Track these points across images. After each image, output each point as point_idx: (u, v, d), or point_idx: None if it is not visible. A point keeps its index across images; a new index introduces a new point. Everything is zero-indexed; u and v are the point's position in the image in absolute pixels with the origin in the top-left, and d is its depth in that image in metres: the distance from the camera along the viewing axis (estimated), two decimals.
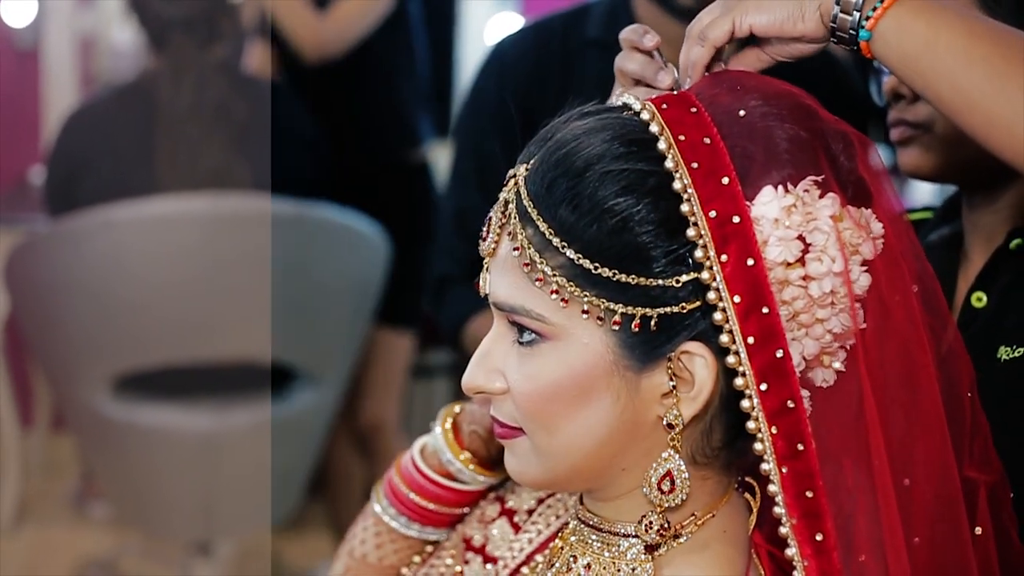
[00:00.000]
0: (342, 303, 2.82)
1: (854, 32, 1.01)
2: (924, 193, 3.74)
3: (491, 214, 1.01)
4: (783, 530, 0.97)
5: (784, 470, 0.96)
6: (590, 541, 1.03)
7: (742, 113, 0.98)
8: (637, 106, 0.99)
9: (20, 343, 3.65)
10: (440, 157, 3.51)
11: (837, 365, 0.97)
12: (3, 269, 2.79)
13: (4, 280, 2.81)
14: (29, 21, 4.20)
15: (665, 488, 0.97)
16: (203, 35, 2.74)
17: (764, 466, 0.96)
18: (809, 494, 0.96)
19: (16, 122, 4.24)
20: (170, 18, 2.72)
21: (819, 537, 0.97)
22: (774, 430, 0.95)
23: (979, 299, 1.31)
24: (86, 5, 4.26)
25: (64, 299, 2.65)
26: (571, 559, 1.04)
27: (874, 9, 1.00)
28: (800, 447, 0.95)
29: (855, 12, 1.01)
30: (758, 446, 0.96)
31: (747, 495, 1.04)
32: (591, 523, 1.03)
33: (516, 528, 1.17)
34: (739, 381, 0.95)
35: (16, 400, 3.87)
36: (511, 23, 4.07)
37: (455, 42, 4.22)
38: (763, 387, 0.94)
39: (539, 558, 1.13)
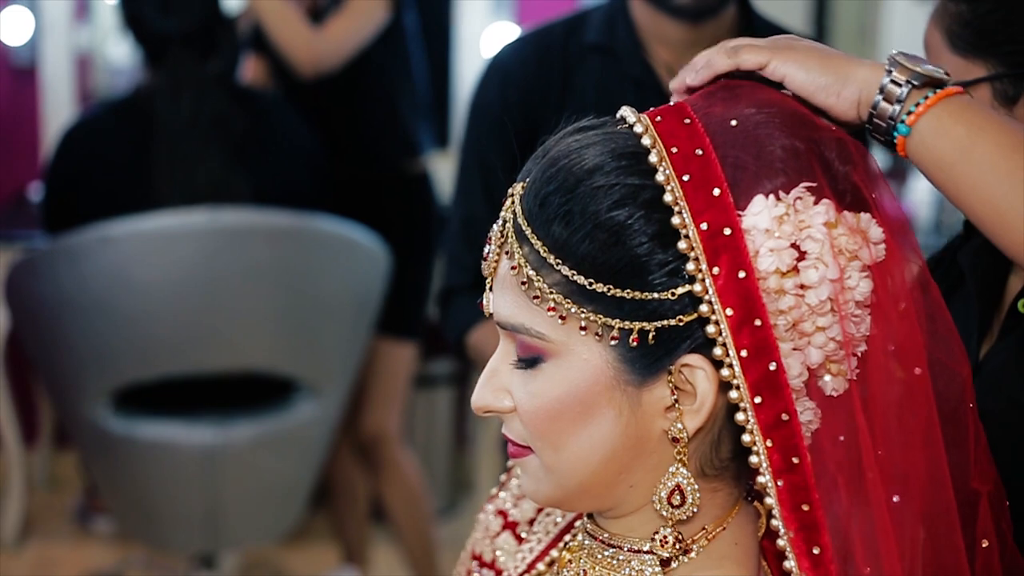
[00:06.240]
0: (342, 315, 2.82)
1: (892, 122, 1.01)
2: (924, 192, 3.74)
3: (491, 233, 1.01)
4: (780, 543, 0.97)
5: (780, 483, 0.95)
6: (600, 556, 1.02)
7: (734, 123, 0.97)
8: (632, 118, 0.99)
9: (22, 359, 3.65)
10: (439, 167, 3.52)
11: (848, 374, 0.97)
12: (3, 286, 2.80)
13: (4, 297, 2.81)
14: (26, 39, 4.20)
15: (675, 502, 0.97)
16: (199, 49, 2.75)
17: (760, 479, 0.96)
18: (805, 507, 0.96)
19: (14, 139, 4.25)
20: (166, 33, 2.72)
21: (816, 550, 0.96)
22: (769, 443, 0.95)
23: None
24: (83, 22, 4.27)
25: (64, 315, 2.65)
26: (580, 573, 1.03)
27: (917, 104, 1.00)
28: (795, 460, 0.95)
29: (896, 104, 1.00)
30: (754, 459, 0.96)
31: (756, 503, 1.03)
32: (601, 538, 1.02)
33: (519, 540, 1.17)
34: (733, 394, 0.94)
35: (19, 416, 3.87)
36: (507, 33, 4.07)
37: (452, 52, 4.23)
38: (757, 400, 0.94)
39: (540, 566, 1.13)
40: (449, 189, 2.97)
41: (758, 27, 1.98)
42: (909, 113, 1.00)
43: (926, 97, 1.00)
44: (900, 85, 1.00)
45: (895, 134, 1.01)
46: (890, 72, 1.01)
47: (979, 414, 1.03)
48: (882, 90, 1.01)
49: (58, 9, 4.14)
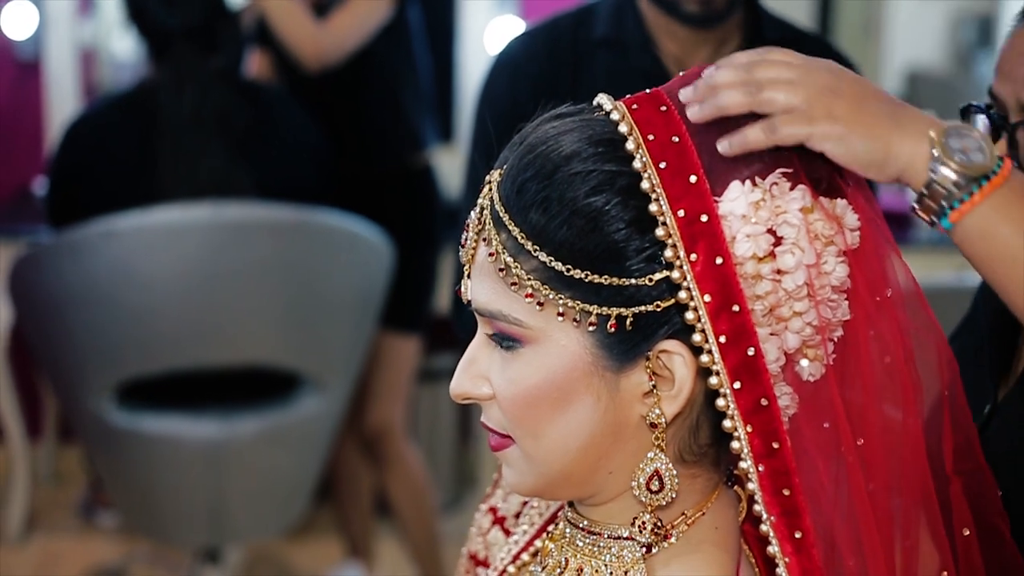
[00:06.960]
0: (346, 309, 2.83)
1: (935, 217, 0.99)
2: None
3: (469, 220, 1.01)
4: (764, 528, 0.97)
5: (761, 468, 0.96)
6: (581, 544, 1.03)
7: None
8: (608, 106, 0.99)
9: (26, 353, 3.66)
10: (443, 161, 3.52)
11: (825, 359, 0.97)
12: (7, 280, 2.80)
13: (8, 291, 2.81)
14: (30, 32, 4.20)
15: (654, 488, 0.97)
16: (203, 43, 2.75)
17: (742, 464, 0.96)
18: (786, 492, 0.96)
19: (18, 133, 4.25)
20: (170, 27, 2.73)
21: (798, 535, 0.97)
22: (749, 428, 0.95)
23: None
24: (87, 16, 4.27)
25: (68, 309, 2.65)
26: (562, 562, 1.03)
27: (961, 201, 0.98)
28: (775, 445, 0.95)
29: (941, 200, 0.99)
30: (735, 444, 0.96)
31: (737, 488, 1.03)
32: (581, 526, 1.03)
33: (507, 533, 1.19)
34: (713, 380, 0.95)
35: (24, 411, 3.87)
36: (511, 27, 4.07)
37: (456, 46, 4.22)
38: (736, 385, 0.94)
39: (525, 556, 1.13)
40: (453, 183, 2.98)
41: (766, 25, 1.99)
42: (953, 208, 0.98)
43: (971, 192, 0.98)
44: (945, 187, 0.98)
45: (939, 223, 1.00)
46: (934, 171, 0.98)
47: (992, 456, 1.03)
48: (927, 185, 0.98)
49: (62, 3, 4.14)
